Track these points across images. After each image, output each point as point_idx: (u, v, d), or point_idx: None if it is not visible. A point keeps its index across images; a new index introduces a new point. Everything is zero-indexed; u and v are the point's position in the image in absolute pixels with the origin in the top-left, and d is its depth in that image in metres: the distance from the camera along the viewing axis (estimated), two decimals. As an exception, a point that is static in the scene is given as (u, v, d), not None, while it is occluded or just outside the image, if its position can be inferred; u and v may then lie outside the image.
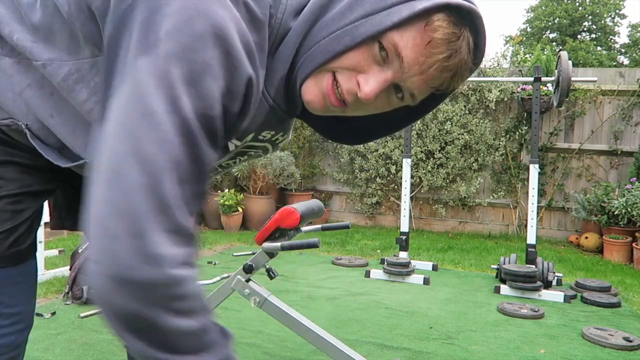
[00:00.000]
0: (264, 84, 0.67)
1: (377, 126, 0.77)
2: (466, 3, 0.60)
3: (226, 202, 5.21)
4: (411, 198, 5.09)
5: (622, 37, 36.91)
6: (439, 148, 5.53)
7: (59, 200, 1.04)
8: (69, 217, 1.02)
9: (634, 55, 21.63)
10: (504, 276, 3.28)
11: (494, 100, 5.37)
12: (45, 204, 0.99)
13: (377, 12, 0.59)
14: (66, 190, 1.02)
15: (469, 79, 4.29)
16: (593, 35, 22.97)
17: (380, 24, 0.59)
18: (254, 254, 1.87)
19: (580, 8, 22.16)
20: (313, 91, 0.65)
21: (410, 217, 4.59)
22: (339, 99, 0.64)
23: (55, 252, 3.91)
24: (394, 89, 0.65)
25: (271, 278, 1.88)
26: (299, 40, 0.65)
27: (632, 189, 4.48)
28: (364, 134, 0.78)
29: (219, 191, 5.46)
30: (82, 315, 2.51)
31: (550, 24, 22.66)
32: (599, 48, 22.30)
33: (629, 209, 4.30)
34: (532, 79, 3.58)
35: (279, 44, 0.66)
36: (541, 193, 5.39)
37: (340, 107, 0.65)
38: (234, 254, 4.06)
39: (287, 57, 0.66)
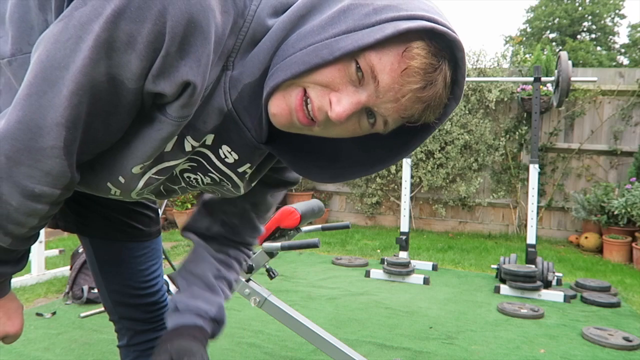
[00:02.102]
0: (228, 85, 0.63)
1: (353, 166, 0.73)
2: (451, 32, 0.58)
3: (226, 202, 5.20)
4: (411, 198, 5.09)
5: (622, 37, 36.97)
6: (439, 148, 5.53)
7: None
8: (62, 218, 1.02)
9: (634, 55, 21.63)
10: (503, 276, 3.28)
11: (494, 100, 5.37)
12: None
13: (360, 28, 0.57)
14: None
15: (469, 79, 4.30)
16: (593, 36, 22.97)
17: (362, 40, 0.56)
18: (254, 253, 1.88)
19: (580, 8, 22.16)
20: (280, 105, 0.61)
21: (410, 217, 4.59)
22: (308, 117, 0.61)
23: (55, 252, 3.92)
24: (366, 114, 0.62)
25: (271, 278, 1.88)
26: (274, 48, 0.62)
27: (632, 189, 4.49)
28: (338, 172, 0.72)
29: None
30: (82, 315, 2.51)
31: (550, 24, 22.67)
32: (598, 48, 22.30)
33: (629, 209, 4.30)
34: (532, 79, 3.58)
35: (252, 42, 0.63)
36: (541, 193, 5.39)
37: (308, 124, 0.62)
38: (234, 254, 4.07)
39: (260, 64, 0.62)
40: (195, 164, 0.73)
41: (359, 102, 0.60)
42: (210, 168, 0.73)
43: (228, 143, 0.69)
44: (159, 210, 1.10)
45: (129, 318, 1.08)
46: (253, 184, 0.81)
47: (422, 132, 0.67)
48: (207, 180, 0.76)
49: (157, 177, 0.71)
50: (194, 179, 0.76)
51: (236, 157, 0.71)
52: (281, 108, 0.61)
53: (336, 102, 0.59)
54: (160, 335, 1.13)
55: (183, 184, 0.78)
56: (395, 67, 0.57)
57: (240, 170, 0.74)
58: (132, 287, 1.05)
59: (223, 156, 0.71)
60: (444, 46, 0.58)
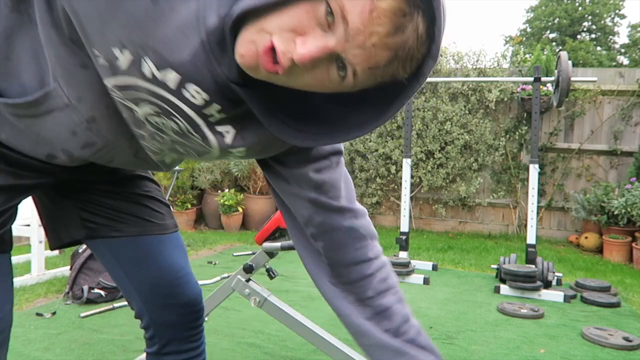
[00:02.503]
0: (203, 12, 0.59)
1: (329, 129, 0.69)
2: None
3: (226, 202, 5.21)
4: (411, 198, 5.09)
5: (622, 37, 36.97)
6: (439, 148, 5.53)
7: (46, 207, 0.99)
8: (65, 229, 0.97)
9: (634, 55, 21.63)
10: (503, 276, 3.28)
11: (494, 100, 5.37)
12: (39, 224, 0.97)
13: None
14: (49, 194, 0.97)
15: (469, 79, 4.30)
16: (593, 35, 22.97)
17: None
18: (254, 254, 1.88)
19: (580, 8, 22.16)
20: (248, 47, 0.58)
21: (410, 217, 4.59)
22: (273, 62, 0.58)
23: (55, 252, 3.92)
24: (336, 64, 0.59)
25: (271, 278, 1.88)
26: None
27: (632, 189, 4.49)
28: (312, 135, 0.69)
29: (219, 191, 5.46)
30: (82, 315, 2.51)
31: (550, 24, 22.67)
32: (598, 48, 22.30)
33: (629, 209, 4.30)
34: (532, 79, 3.58)
35: None
36: (541, 193, 5.39)
37: (273, 71, 0.58)
38: (234, 254, 4.08)
39: None
40: (159, 109, 0.68)
41: (326, 47, 0.56)
42: (173, 111, 0.67)
43: (196, 81, 0.63)
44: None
45: (164, 323, 1.02)
46: (240, 151, 0.73)
47: (399, 96, 0.64)
48: (172, 125, 0.70)
49: (118, 88, 0.66)
50: (162, 122, 0.70)
51: (206, 97, 0.65)
52: (249, 49, 0.58)
53: (301, 44, 0.56)
54: (196, 347, 1.05)
55: (151, 128, 0.72)
56: (365, 9, 0.54)
57: (206, 112, 0.67)
58: (161, 285, 1.00)
59: (190, 96, 0.65)
60: None
